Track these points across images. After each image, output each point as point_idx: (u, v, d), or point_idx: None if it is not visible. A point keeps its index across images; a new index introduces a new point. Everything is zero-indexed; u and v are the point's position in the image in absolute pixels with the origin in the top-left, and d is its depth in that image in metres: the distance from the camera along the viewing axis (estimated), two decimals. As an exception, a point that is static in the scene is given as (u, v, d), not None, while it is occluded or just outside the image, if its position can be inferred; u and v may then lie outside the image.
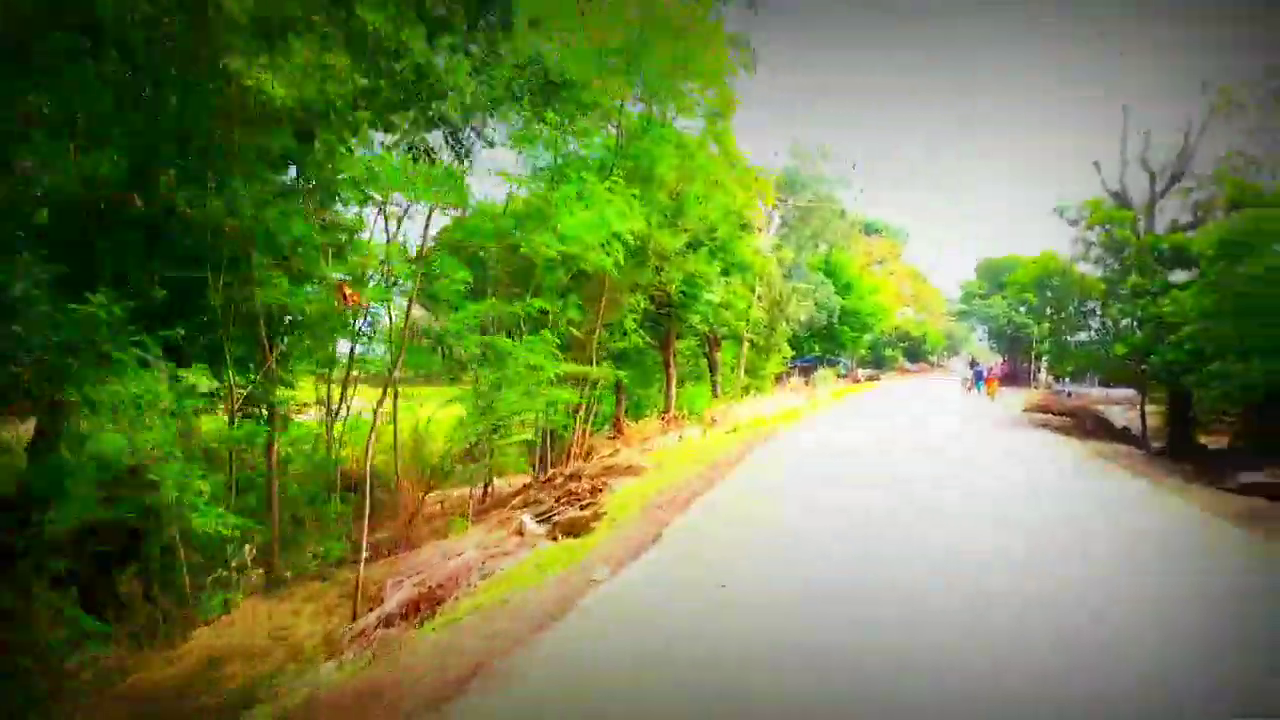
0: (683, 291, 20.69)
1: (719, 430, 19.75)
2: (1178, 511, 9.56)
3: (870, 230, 63.90)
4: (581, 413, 16.15)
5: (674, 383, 22.70)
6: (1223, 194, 17.33)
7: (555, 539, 8.92)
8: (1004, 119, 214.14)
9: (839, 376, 49.35)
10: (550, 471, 14.83)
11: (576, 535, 8.87)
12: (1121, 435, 18.83)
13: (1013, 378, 52.04)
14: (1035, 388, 37.82)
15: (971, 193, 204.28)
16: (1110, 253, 19.04)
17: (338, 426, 12.55)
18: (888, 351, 69.00)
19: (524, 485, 14.93)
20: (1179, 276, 17.93)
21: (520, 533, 9.44)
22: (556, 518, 9.95)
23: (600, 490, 11.52)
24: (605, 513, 9.68)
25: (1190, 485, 11.74)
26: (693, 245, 20.30)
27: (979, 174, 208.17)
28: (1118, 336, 18.33)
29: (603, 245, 12.51)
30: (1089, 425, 19.25)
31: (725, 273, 22.36)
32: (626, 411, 25.31)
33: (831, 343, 49.46)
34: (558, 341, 12.66)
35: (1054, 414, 24.39)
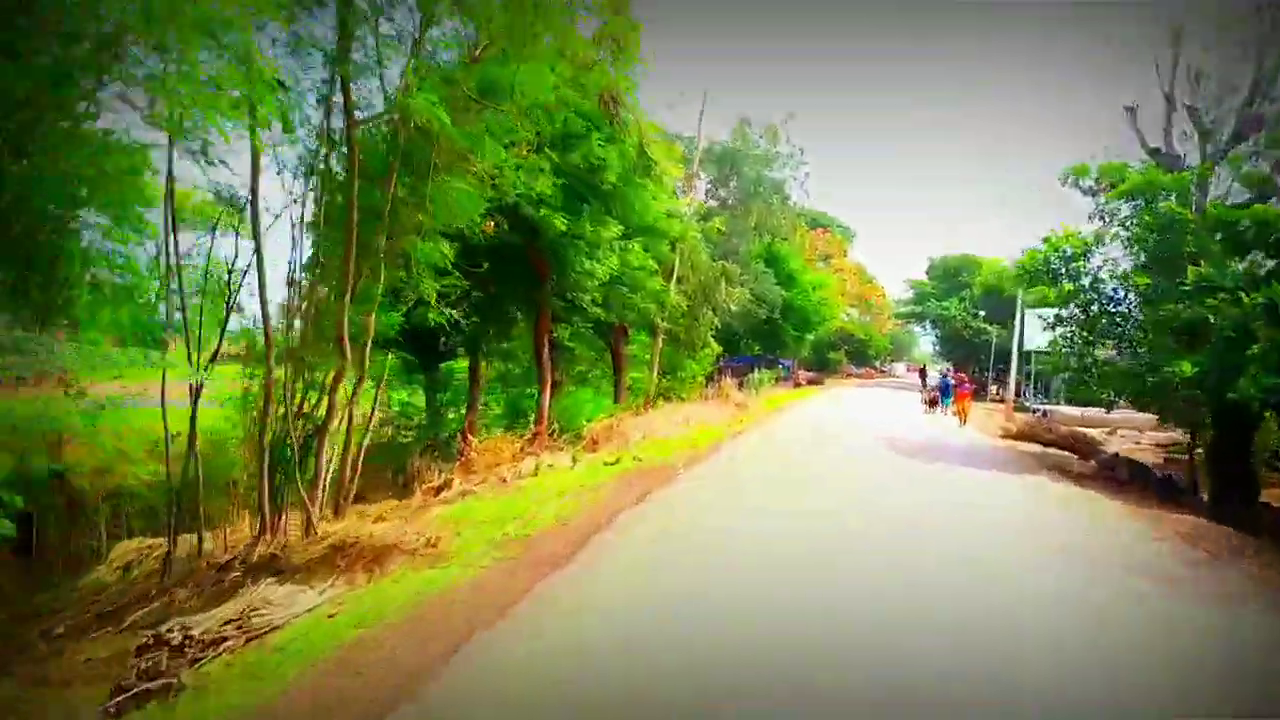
0: (555, 251, 14.37)
1: (599, 457, 13.50)
2: None
3: (815, 224, 58.67)
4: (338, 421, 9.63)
5: (548, 384, 16.32)
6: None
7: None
8: (960, 115, 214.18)
9: (778, 379, 43.77)
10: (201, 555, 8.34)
11: None
12: (1167, 487, 13.25)
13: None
14: (1004, 405, 33.12)
15: (921, 192, 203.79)
16: (1153, 233, 13.50)
17: None
18: (831, 354, 64.17)
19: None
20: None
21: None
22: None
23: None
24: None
25: None
26: (573, 191, 14.03)
27: (929, 171, 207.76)
28: (1160, 351, 12.71)
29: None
30: (1118, 472, 13.58)
31: (627, 237, 16.08)
32: (504, 422, 18.88)
33: (771, 341, 43.91)
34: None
35: (1046, 444, 19.00)
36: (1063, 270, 14.27)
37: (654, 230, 18.02)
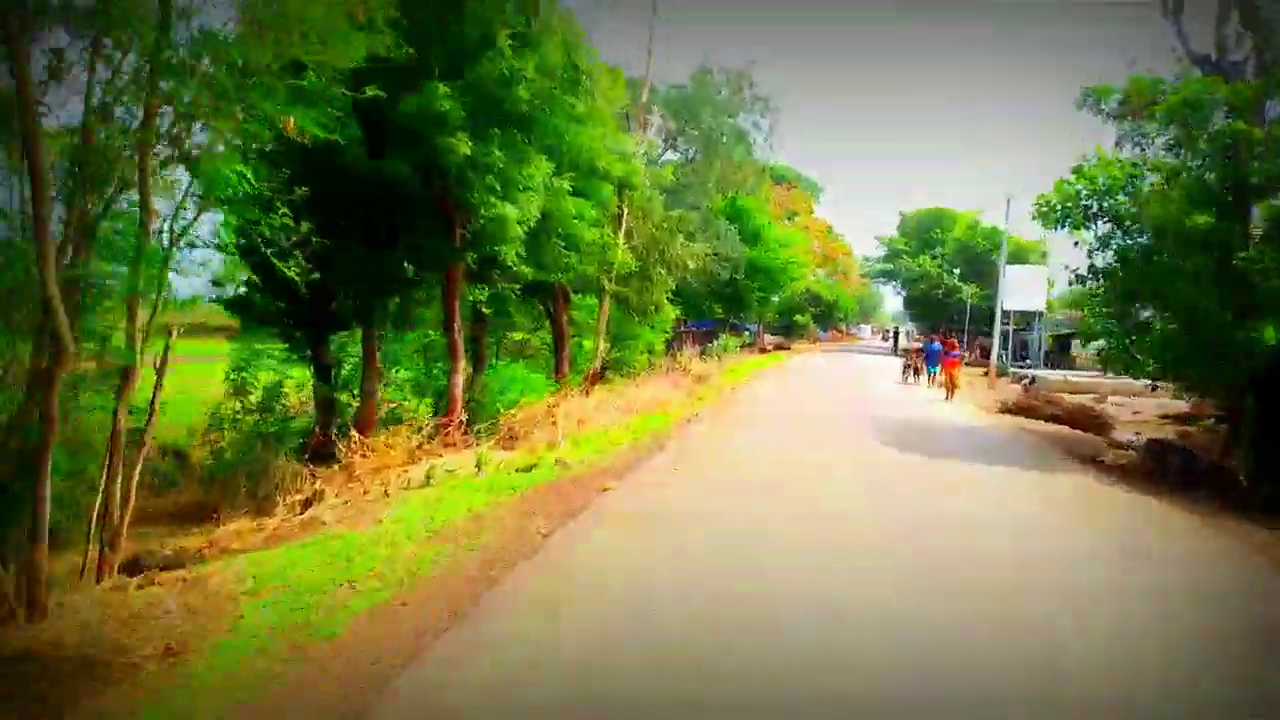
0: (460, 188, 11.10)
1: (514, 459, 10.41)
2: None
3: (780, 179, 55.51)
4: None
5: (459, 360, 13.10)
6: None
7: None
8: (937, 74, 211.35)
9: (743, 346, 41.00)
10: None
11: None
12: (1214, 475, 10.52)
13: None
14: (985, 372, 30.87)
15: (888, 141, 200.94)
16: (1207, 160, 10.71)
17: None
18: (798, 317, 61.68)
19: None
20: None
21: None
22: None
23: None
24: None
25: None
26: (480, 112, 10.76)
27: (897, 118, 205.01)
28: (1219, 311, 9.95)
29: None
30: (1169, 463, 10.79)
31: (558, 173, 12.80)
32: (427, 409, 15.74)
33: (735, 304, 41.01)
34: None
35: (1046, 419, 16.46)
36: (1095, 208, 11.38)
37: (593, 170, 14.74)
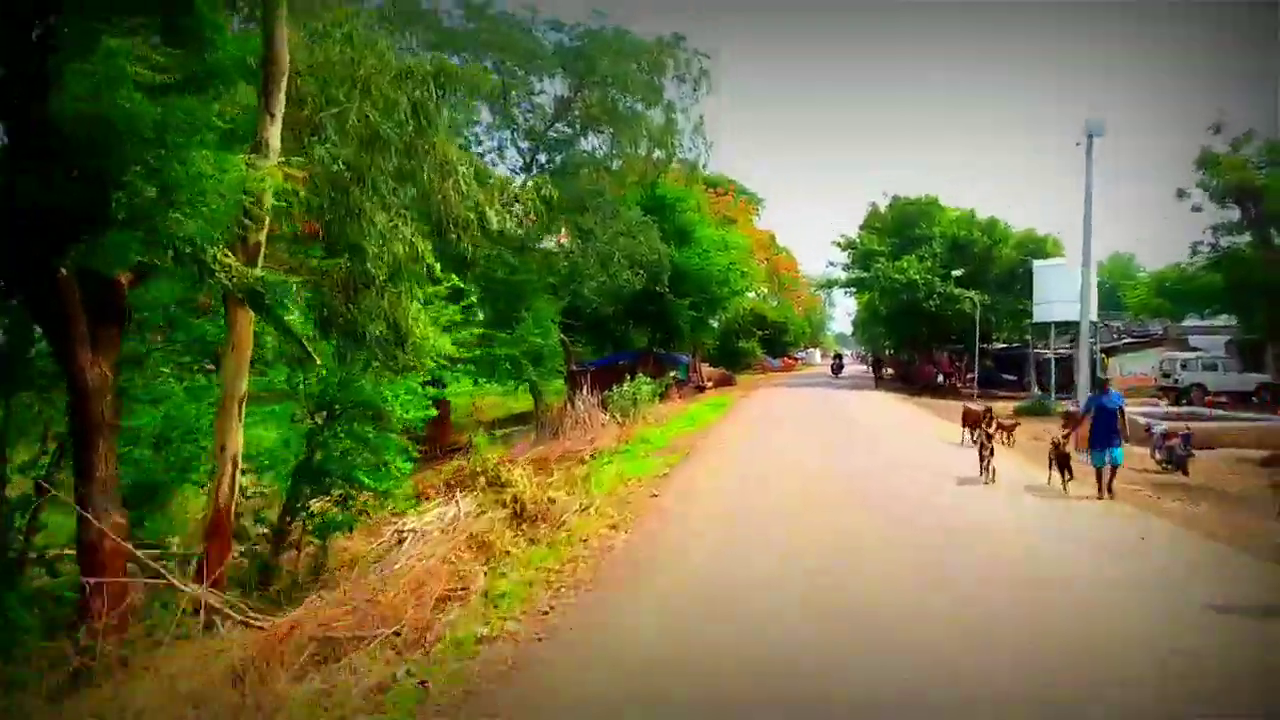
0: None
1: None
2: None
3: (711, 185, 45.43)
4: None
5: None
6: None
7: None
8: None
9: (675, 383, 30.17)
10: None
11: None
12: None
13: (907, 379, 35.57)
14: (1023, 403, 20.99)
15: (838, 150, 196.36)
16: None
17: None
18: (741, 343, 51.48)
19: None
20: None
21: None
22: None
23: None
24: None
25: None
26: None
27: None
28: None
29: None
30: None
31: None
32: None
33: (660, 328, 30.27)
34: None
35: None
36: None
37: None
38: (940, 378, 31.32)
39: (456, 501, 8.33)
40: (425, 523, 8.33)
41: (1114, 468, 9.13)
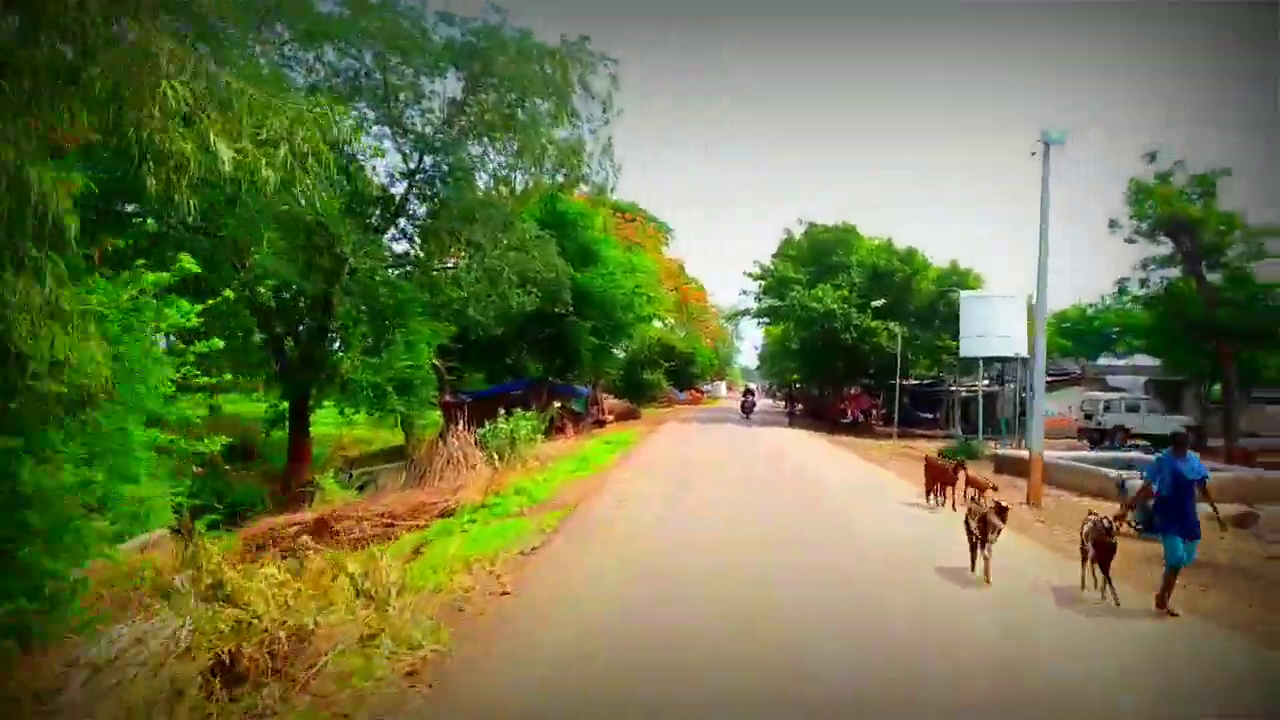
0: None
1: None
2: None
3: (618, 211, 42.95)
4: None
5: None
6: None
7: None
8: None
9: (571, 417, 26.72)
10: None
11: None
12: None
13: (819, 415, 33.58)
14: (947, 444, 18.95)
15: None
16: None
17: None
18: (646, 374, 48.74)
19: None
20: None
21: None
22: None
23: None
24: None
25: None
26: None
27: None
28: None
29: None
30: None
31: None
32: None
33: (558, 352, 26.92)
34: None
35: None
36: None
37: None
38: (859, 415, 29.41)
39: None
40: (109, 658, 4.71)
41: (1177, 568, 6.42)
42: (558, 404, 23.84)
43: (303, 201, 15.59)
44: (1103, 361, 33.25)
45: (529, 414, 15.35)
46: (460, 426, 16.76)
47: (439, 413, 21.55)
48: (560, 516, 9.90)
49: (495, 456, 14.44)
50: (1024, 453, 18.35)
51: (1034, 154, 13.94)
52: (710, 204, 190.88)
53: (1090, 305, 34.70)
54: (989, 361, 21.71)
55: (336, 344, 22.87)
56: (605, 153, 33.76)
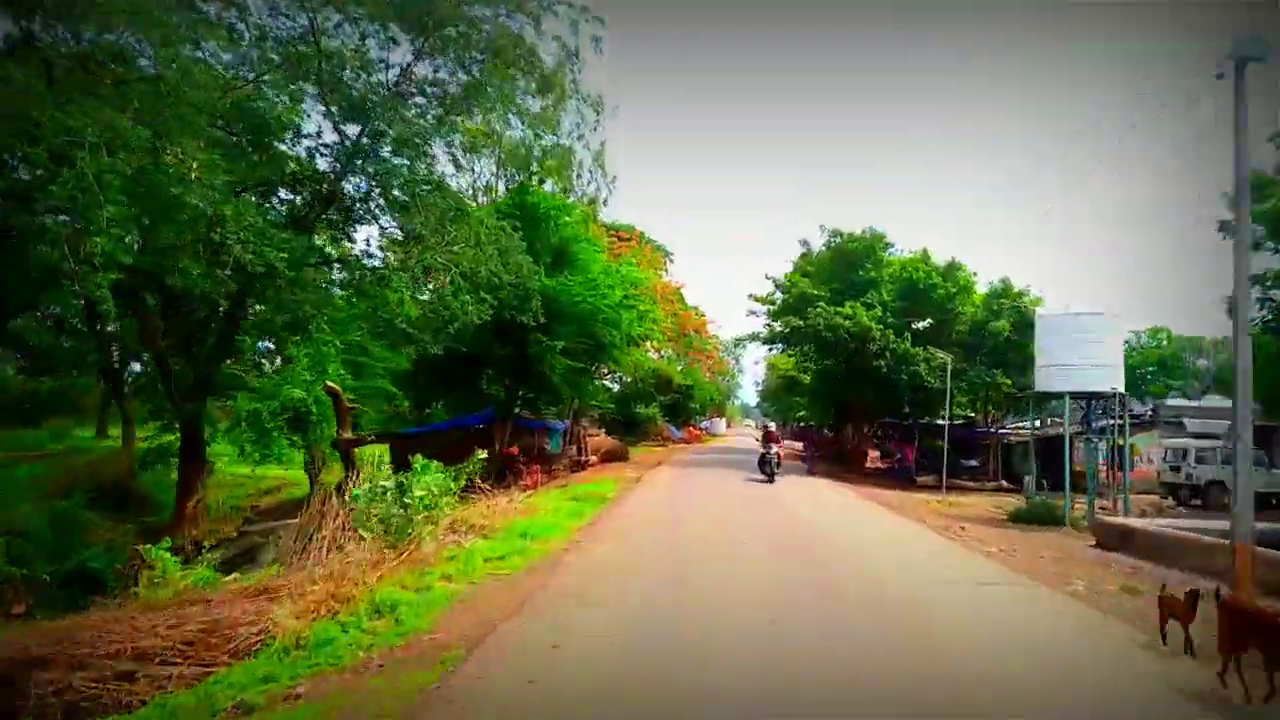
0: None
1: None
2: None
3: (613, 230, 38.36)
4: None
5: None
6: None
7: None
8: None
9: (538, 458, 21.47)
10: None
11: None
12: None
13: (839, 460, 28.34)
14: (1017, 504, 14.11)
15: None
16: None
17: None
18: (641, 408, 43.64)
19: None
20: None
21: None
22: None
23: None
24: None
25: None
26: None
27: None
28: None
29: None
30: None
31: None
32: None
33: (520, 376, 21.76)
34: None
35: None
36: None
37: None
38: (894, 461, 24.28)
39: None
40: None
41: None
42: (515, 445, 18.68)
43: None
44: (1174, 401, 28.29)
45: (435, 468, 10.14)
46: (355, 479, 11.63)
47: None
48: (404, 705, 4.73)
49: (384, 530, 9.26)
50: (1133, 520, 13.24)
51: (1219, 75, 9.12)
52: (710, 233, 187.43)
53: (1162, 330, 29.75)
54: (1075, 398, 16.63)
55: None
56: (597, 161, 29.24)
